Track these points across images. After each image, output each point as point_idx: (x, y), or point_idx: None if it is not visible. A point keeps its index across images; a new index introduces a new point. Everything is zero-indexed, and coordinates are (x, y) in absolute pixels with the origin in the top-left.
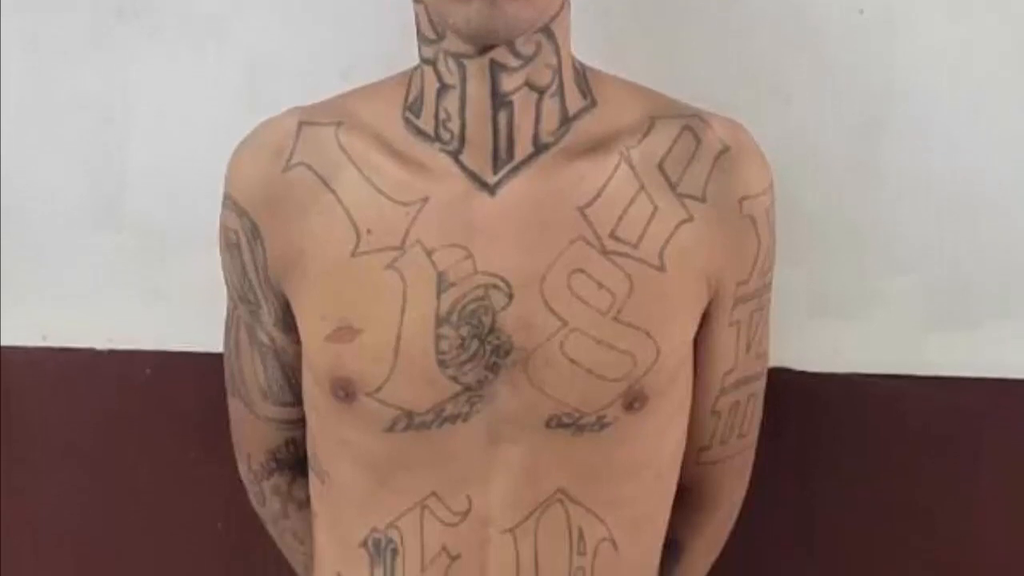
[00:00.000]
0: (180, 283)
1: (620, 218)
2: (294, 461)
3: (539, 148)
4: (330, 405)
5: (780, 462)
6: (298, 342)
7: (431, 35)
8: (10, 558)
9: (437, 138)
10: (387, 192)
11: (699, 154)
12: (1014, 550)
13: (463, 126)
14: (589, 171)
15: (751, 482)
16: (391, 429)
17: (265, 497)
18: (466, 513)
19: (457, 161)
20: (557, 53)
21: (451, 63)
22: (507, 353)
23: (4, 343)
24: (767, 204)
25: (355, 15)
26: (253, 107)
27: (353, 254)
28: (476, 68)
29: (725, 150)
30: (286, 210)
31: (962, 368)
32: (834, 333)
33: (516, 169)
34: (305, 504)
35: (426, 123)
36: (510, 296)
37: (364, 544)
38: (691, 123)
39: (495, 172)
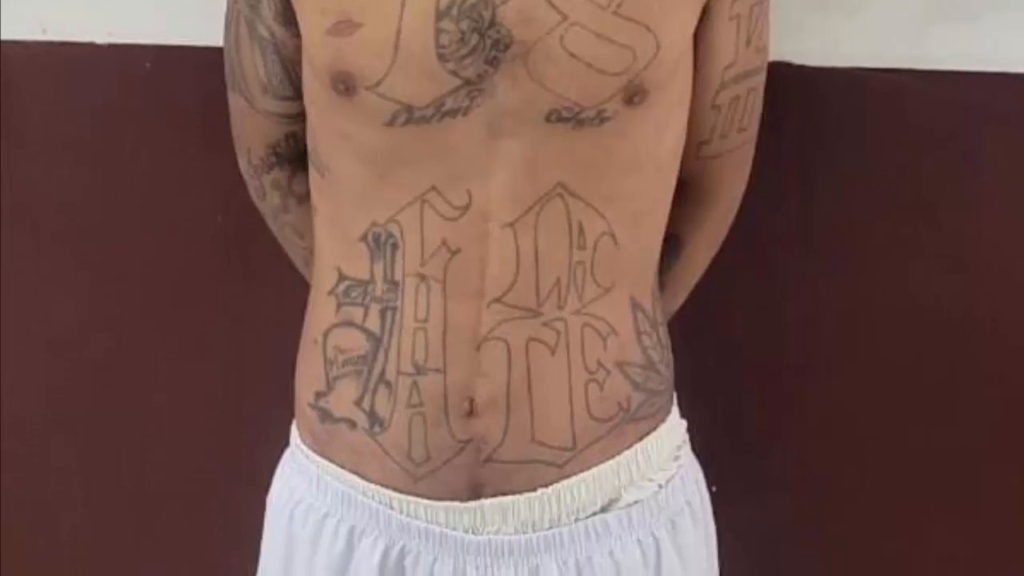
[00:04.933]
0: None
1: None
2: (294, 155)
3: None
4: (330, 99)
5: (780, 157)
6: (298, 36)
7: None
8: (10, 258)
9: None
10: None
11: None
12: (1014, 244)
13: None
14: None
15: (751, 178)
16: (391, 123)
17: (265, 191)
18: (466, 207)
19: None
20: None
21: None
22: (507, 47)
23: (4, 37)
24: None
25: None
26: None
27: None
28: None
29: None
30: None
31: (962, 62)
32: (834, 27)
33: None
34: (305, 199)
35: None
36: None
37: (364, 238)
38: None
39: None
